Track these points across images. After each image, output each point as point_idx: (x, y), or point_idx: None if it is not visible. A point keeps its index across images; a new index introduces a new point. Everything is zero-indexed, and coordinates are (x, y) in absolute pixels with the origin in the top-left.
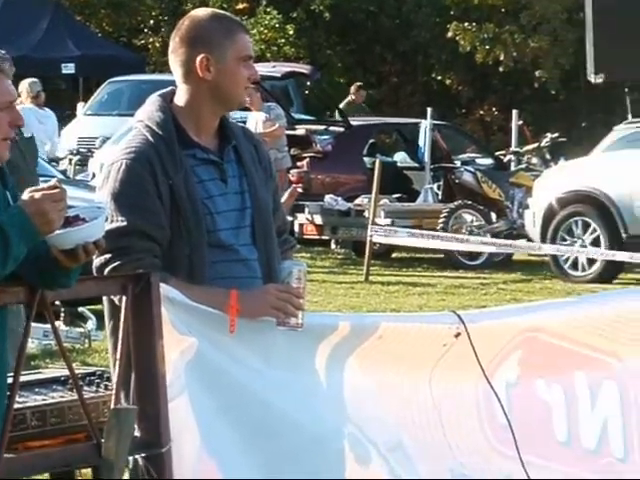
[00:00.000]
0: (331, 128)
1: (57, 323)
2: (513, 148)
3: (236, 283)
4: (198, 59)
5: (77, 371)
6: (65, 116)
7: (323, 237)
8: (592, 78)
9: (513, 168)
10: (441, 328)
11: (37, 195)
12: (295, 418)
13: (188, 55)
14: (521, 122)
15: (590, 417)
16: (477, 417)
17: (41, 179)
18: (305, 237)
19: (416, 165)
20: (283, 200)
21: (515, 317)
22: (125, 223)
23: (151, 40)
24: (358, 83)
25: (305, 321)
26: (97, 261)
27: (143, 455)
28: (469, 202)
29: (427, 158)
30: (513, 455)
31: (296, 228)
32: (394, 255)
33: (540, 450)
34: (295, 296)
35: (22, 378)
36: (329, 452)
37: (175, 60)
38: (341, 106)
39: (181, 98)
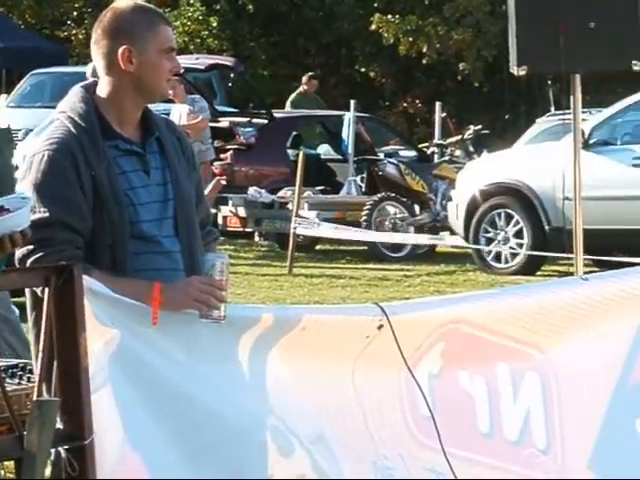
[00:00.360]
0: (254, 120)
1: None
2: (436, 140)
3: (159, 275)
4: (120, 51)
5: None
6: None
7: (247, 229)
8: (515, 70)
9: (436, 160)
10: (364, 320)
11: None
12: (218, 410)
13: (110, 47)
14: (444, 114)
15: (512, 408)
16: (400, 409)
17: None
18: (229, 229)
19: (340, 157)
20: (207, 192)
21: (438, 309)
22: (47, 214)
23: (74, 32)
24: (310, 73)
25: (228, 313)
26: (19, 253)
27: (66, 447)
28: (392, 194)
29: (350, 150)
30: (436, 447)
31: (220, 220)
32: (318, 247)
33: (463, 442)
34: (218, 288)
35: None
36: (252, 444)
37: (97, 52)
38: (292, 96)
39: (103, 90)
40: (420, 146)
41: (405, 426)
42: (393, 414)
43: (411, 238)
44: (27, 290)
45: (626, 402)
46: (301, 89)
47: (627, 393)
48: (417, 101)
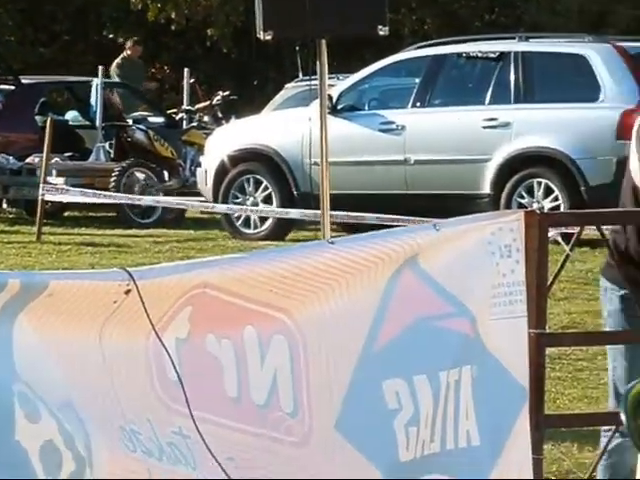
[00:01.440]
0: (1, 86)
1: None
2: (185, 106)
3: None
4: None
5: None
6: None
7: None
8: (261, 35)
9: (185, 126)
10: (111, 285)
11: None
12: None
13: None
14: (193, 80)
15: (260, 372)
16: (148, 374)
17: None
18: None
19: (88, 123)
20: None
21: (186, 273)
22: None
23: None
24: (134, 38)
25: None
26: None
27: None
28: (141, 160)
29: (99, 117)
30: (184, 411)
31: None
32: (66, 214)
33: (211, 406)
34: None
35: None
36: None
37: None
38: (117, 61)
39: None
40: (169, 112)
41: (153, 391)
42: (141, 379)
43: (157, 201)
44: None
45: (372, 366)
46: (125, 54)
47: (373, 357)
48: (165, 67)
